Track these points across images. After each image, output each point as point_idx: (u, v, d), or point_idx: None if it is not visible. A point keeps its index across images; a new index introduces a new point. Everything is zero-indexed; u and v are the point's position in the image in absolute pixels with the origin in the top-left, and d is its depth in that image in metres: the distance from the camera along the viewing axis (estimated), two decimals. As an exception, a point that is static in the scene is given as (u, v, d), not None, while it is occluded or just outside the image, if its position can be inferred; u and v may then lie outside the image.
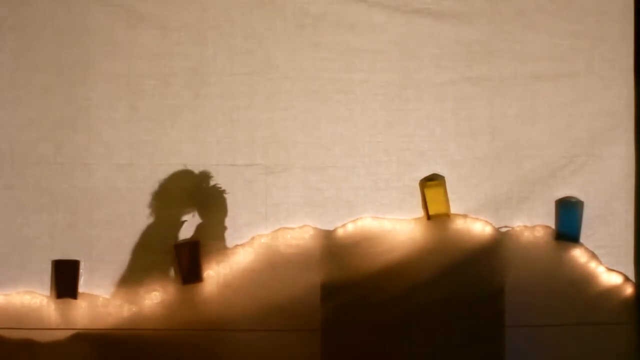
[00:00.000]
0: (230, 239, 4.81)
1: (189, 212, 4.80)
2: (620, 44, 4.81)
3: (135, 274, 4.78)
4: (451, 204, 4.78)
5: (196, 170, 4.79)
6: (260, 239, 4.79)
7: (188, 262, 4.76)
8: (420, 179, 4.80)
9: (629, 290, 4.77)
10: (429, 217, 4.77)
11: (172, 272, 4.79)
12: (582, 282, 4.75)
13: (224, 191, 4.79)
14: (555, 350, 4.71)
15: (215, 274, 4.78)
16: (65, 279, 4.77)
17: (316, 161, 4.82)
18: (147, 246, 4.80)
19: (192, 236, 4.79)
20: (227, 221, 4.80)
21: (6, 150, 4.82)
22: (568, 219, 4.77)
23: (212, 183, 4.79)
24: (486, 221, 4.77)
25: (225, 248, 4.79)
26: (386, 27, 4.82)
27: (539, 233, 4.78)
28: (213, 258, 4.79)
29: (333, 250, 4.75)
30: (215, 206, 4.79)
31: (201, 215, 4.80)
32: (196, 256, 4.76)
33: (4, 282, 4.78)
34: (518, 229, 4.79)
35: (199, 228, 4.79)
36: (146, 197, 4.80)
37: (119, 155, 4.81)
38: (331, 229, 4.79)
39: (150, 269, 4.79)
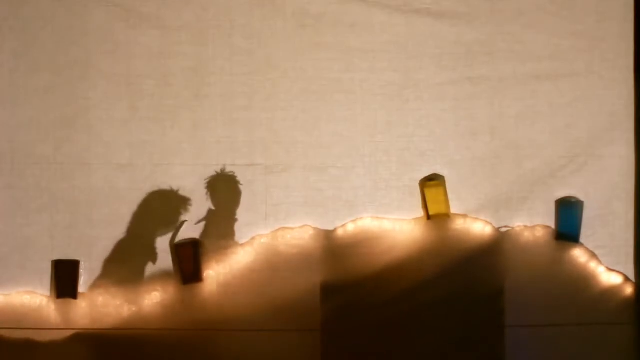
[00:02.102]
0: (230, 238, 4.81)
1: (189, 212, 4.81)
2: (620, 44, 4.81)
3: (135, 274, 4.79)
4: (451, 204, 4.77)
5: (199, 170, 4.80)
6: (260, 239, 4.79)
7: (188, 262, 4.76)
8: (420, 179, 4.80)
9: (629, 290, 4.77)
10: (429, 217, 4.77)
11: (172, 272, 4.79)
12: (582, 282, 4.75)
13: (238, 182, 4.79)
14: (555, 350, 4.71)
15: (215, 274, 4.78)
16: (65, 279, 4.77)
17: (316, 161, 4.82)
18: (147, 246, 4.81)
19: (201, 220, 4.79)
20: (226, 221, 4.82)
21: (6, 150, 4.82)
22: (568, 219, 4.77)
23: (230, 174, 4.79)
24: (486, 221, 4.77)
25: (233, 239, 4.78)
26: (386, 27, 4.82)
27: (539, 233, 4.78)
28: (213, 258, 4.79)
29: (333, 250, 4.75)
30: (229, 195, 4.79)
31: (213, 202, 4.79)
32: (196, 256, 4.76)
33: (4, 282, 4.79)
34: (518, 229, 4.78)
35: (209, 214, 4.79)
36: (146, 197, 4.80)
37: (119, 155, 4.81)
38: (331, 229, 4.79)
39: (150, 269, 4.79)
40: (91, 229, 4.81)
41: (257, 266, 4.77)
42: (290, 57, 4.82)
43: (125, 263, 4.80)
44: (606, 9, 4.81)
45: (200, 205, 4.81)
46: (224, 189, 4.81)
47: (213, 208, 4.80)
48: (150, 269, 4.79)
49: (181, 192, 4.80)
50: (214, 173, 4.79)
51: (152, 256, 4.80)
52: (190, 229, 4.81)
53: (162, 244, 4.80)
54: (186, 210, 4.79)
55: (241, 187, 4.80)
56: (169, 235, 4.80)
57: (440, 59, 4.82)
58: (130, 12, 4.80)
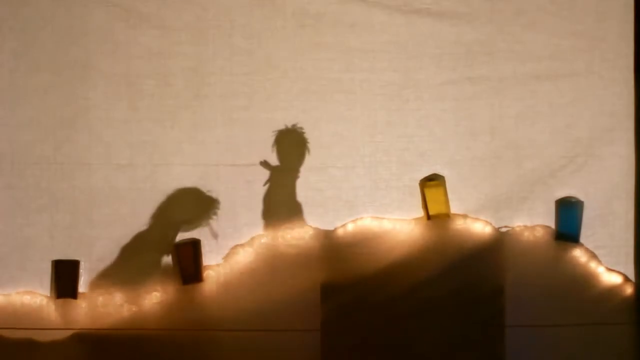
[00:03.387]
0: (230, 238, 4.81)
1: (189, 212, 4.81)
2: (620, 44, 4.81)
3: (135, 274, 4.79)
4: (451, 204, 4.78)
5: (199, 170, 4.80)
6: (260, 239, 4.79)
7: (188, 262, 4.76)
8: (420, 179, 4.81)
9: (629, 290, 4.77)
10: (429, 217, 4.77)
11: (172, 272, 4.79)
12: (582, 282, 4.75)
13: (306, 140, 4.79)
14: (555, 350, 4.71)
15: (215, 274, 4.78)
16: (65, 279, 4.77)
17: (316, 161, 4.82)
18: (147, 246, 4.81)
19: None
20: (226, 221, 4.81)
21: (6, 150, 4.82)
22: (568, 219, 4.77)
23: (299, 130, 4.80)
24: (486, 221, 4.77)
25: (295, 195, 4.77)
26: (386, 27, 4.82)
27: (539, 233, 4.78)
28: (213, 258, 4.79)
29: (333, 250, 4.75)
30: (294, 151, 4.79)
31: (279, 157, 4.79)
32: (196, 256, 4.76)
33: (4, 282, 4.79)
34: (518, 229, 4.79)
35: (274, 169, 4.79)
36: (146, 197, 4.80)
37: (119, 155, 4.81)
38: (331, 229, 4.79)
39: (150, 269, 4.79)
40: (91, 229, 4.81)
41: (257, 266, 4.77)
42: (290, 57, 4.82)
43: (133, 262, 4.80)
44: (606, 9, 4.81)
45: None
46: (291, 144, 4.79)
47: (278, 163, 4.79)
48: (151, 269, 4.79)
49: (182, 192, 4.80)
50: (284, 128, 4.77)
51: (153, 256, 4.80)
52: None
53: (162, 244, 4.81)
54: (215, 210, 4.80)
55: (307, 146, 4.80)
56: (169, 235, 4.81)
57: (440, 59, 4.82)
58: (130, 12, 4.80)
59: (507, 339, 4.66)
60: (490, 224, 4.77)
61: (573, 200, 4.78)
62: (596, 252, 4.77)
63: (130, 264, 4.79)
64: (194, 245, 4.77)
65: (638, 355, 4.73)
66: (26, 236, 4.82)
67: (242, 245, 4.79)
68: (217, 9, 4.82)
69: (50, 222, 4.82)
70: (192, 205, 4.81)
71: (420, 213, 4.80)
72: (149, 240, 4.80)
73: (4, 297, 4.78)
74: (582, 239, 4.78)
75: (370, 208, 4.81)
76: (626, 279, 4.78)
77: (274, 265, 4.75)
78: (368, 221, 4.79)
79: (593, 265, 4.76)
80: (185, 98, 4.83)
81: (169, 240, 4.80)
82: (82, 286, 4.80)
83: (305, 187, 4.81)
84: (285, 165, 4.79)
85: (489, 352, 4.65)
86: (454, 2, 4.81)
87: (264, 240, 4.78)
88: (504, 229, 4.78)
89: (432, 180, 4.78)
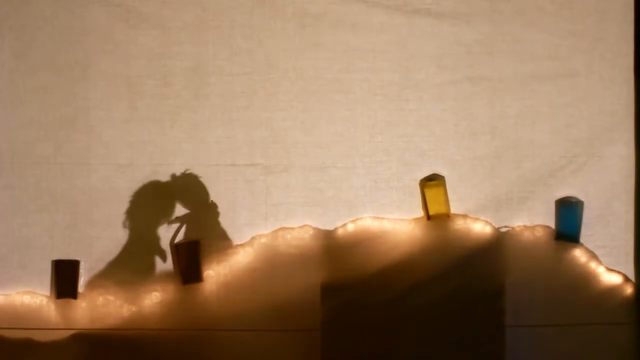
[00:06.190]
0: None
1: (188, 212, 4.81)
2: (620, 44, 4.81)
3: (135, 274, 4.79)
4: (451, 204, 4.78)
5: (199, 170, 4.80)
6: (260, 239, 4.79)
7: (188, 262, 4.76)
8: (420, 179, 4.80)
9: (629, 290, 4.77)
10: (429, 217, 4.77)
11: (172, 272, 4.79)
12: (582, 282, 4.75)
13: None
14: (555, 350, 4.71)
15: (215, 274, 4.78)
16: (65, 279, 4.77)
17: (316, 161, 4.82)
18: (147, 246, 4.80)
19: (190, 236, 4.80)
20: (226, 221, 4.80)
21: (6, 150, 4.82)
22: (568, 219, 4.77)
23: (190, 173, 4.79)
24: (486, 221, 4.77)
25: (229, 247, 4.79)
26: (386, 27, 4.82)
27: (539, 233, 4.78)
28: (213, 258, 4.79)
29: (333, 250, 4.75)
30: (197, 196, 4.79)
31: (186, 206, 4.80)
32: (196, 256, 4.76)
33: (4, 282, 4.79)
34: (518, 229, 4.78)
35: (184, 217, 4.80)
36: (146, 197, 4.80)
37: (119, 155, 4.81)
38: (331, 229, 4.79)
39: (150, 269, 4.79)
40: (91, 229, 4.81)
41: (257, 266, 4.77)
42: (290, 57, 4.82)
43: (128, 263, 4.80)
44: (606, 9, 4.81)
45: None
46: (190, 191, 4.81)
47: (188, 211, 4.81)
48: (150, 268, 4.79)
49: (181, 192, 4.80)
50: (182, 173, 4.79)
51: (160, 254, 4.80)
52: (191, 229, 4.81)
53: (162, 244, 4.81)
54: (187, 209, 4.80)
55: (206, 186, 4.80)
56: (169, 235, 4.81)
57: (440, 59, 4.82)
58: (130, 12, 4.80)
59: (507, 339, 4.66)
60: (490, 224, 4.77)
61: (573, 200, 4.78)
62: (596, 252, 4.77)
63: (130, 264, 4.79)
64: (194, 245, 4.77)
65: (638, 355, 4.74)
66: (26, 236, 4.82)
67: (242, 245, 4.79)
68: (217, 9, 4.82)
69: (50, 222, 4.82)
70: (191, 203, 4.81)
71: (420, 213, 4.80)
72: (149, 240, 4.80)
73: (4, 297, 4.78)
74: (582, 239, 4.78)
75: (370, 208, 4.81)
76: (626, 279, 4.78)
77: (274, 265, 4.75)
78: (368, 221, 4.79)
79: (593, 265, 4.76)
80: (185, 98, 4.83)
81: (169, 240, 4.80)
82: (82, 286, 4.80)
83: (305, 187, 4.81)
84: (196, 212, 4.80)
85: (489, 352, 4.65)
86: (454, 2, 4.81)
87: (264, 240, 4.78)
88: (504, 229, 4.78)
89: (432, 180, 4.78)
